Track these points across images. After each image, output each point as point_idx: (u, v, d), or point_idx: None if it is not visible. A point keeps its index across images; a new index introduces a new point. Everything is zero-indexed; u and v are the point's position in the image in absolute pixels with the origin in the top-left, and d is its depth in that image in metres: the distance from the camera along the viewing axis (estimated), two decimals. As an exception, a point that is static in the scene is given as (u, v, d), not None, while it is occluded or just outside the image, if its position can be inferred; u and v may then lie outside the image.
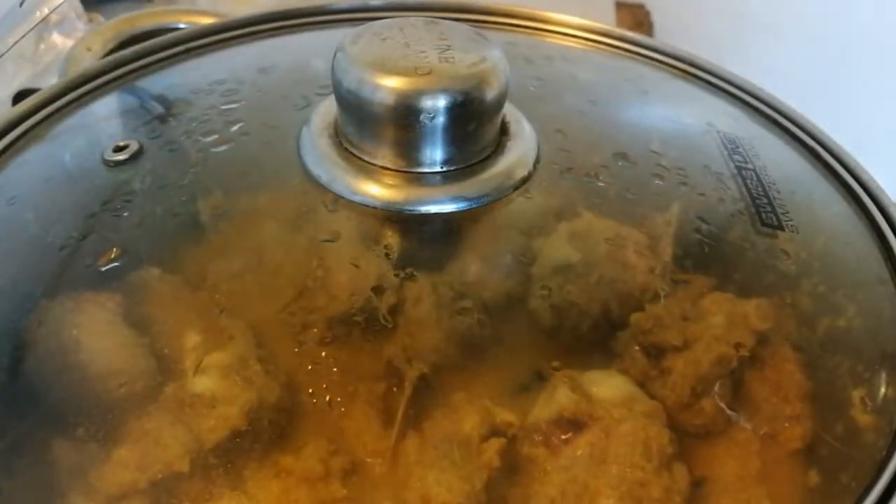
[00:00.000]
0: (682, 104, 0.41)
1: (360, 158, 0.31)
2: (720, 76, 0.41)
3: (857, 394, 0.28)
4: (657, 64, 0.42)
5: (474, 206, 0.30)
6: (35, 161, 0.35)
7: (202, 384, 0.26)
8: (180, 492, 0.24)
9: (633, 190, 0.33)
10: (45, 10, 0.48)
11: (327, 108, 0.33)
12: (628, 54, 0.43)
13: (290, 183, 0.31)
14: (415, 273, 0.29)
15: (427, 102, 0.29)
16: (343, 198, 0.30)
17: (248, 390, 0.26)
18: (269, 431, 0.26)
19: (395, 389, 0.27)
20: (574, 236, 0.31)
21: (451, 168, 0.31)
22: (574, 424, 0.27)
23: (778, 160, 0.36)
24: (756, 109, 0.40)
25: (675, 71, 0.42)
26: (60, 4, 0.50)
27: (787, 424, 0.27)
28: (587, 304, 0.30)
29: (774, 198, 0.33)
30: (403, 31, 0.31)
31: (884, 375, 0.29)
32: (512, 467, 0.26)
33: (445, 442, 0.27)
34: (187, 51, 0.41)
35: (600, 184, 0.33)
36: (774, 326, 0.29)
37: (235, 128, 0.34)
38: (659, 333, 0.28)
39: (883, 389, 0.28)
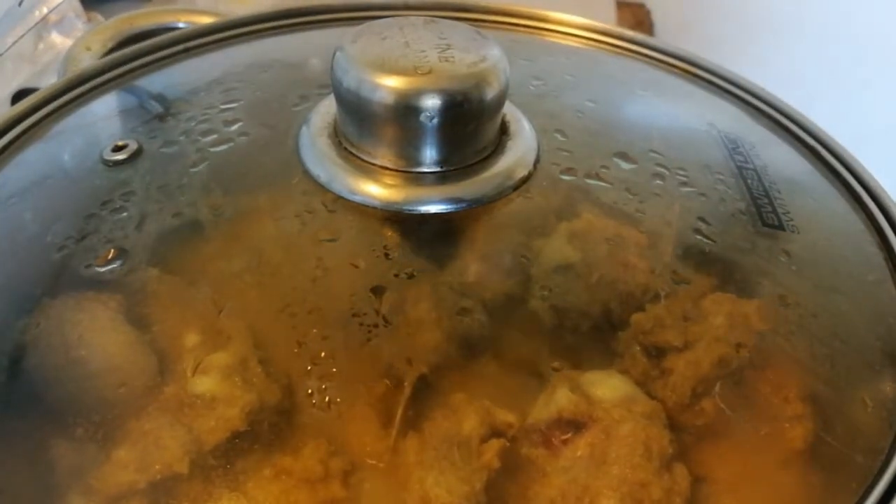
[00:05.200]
0: (682, 104, 0.41)
1: (359, 158, 0.31)
2: (721, 76, 0.41)
3: (858, 394, 0.28)
4: (658, 63, 0.42)
5: (474, 206, 0.30)
6: (34, 160, 0.34)
7: (202, 385, 0.26)
8: (179, 493, 0.24)
9: (633, 190, 0.33)
10: (44, 10, 0.47)
11: (327, 108, 0.33)
12: (629, 53, 0.43)
13: (289, 183, 0.31)
14: (414, 273, 0.29)
15: (427, 102, 0.29)
16: (342, 198, 0.30)
17: (248, 391, 0.26)
18: (269, 432, 0.26)
19: (394, 390, 0.27)
20: (574, 236, 0.31)
21: (451, 168, 0.30)
22: (574, 425, 0.27)
23: (779, 160, 0.36)
24: (757, 109, 0.40)
25: (675, 70, 0.42)
26: (59, 4, 0.50)
27: (787, 425, 0.27)
28: (587, 305, 0.30)
29: (775, 198, 0.33)
30: (403, 31, 0.31)
31: (885, 375, 0.28)
32: (512, 468, 0.26)
33: (445, 443, 0.26)
34: (186, 50, 0.41)
35: (601, 184, 0.33)
36: (775, 326, 0.29)
37: (234, 127, 0.34)
38: (659, 334, 0.28)
39: (884, 389, 0.28)
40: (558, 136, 0.34)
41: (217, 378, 0.27)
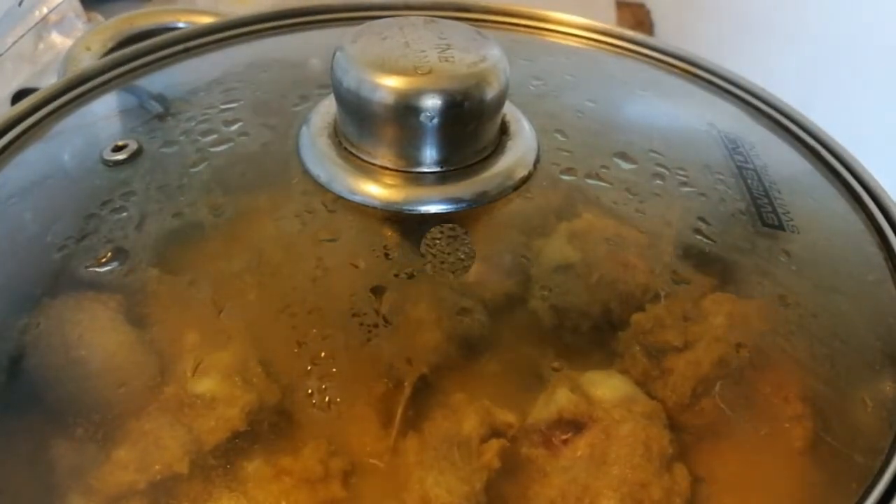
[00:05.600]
0: (682, 103, 0.41)
1: (359, 158, 0.31)
2: (721, 76, 0.41)
3: (858, 394, 0.28)
4: (658, 63, 0.42)
5: (474, 205, 0.30)
6: (34, 161, 0.34)
7: (202, 385, 0.26)
8: (180, 493, 0.24)
9: (633, 190, 0.33)
10: (44, 10, 0.47)
11: (327, 108, 0.33)
12: (629, 53, 0.43)
13: (289, 183, 0.31)
14: (414, 273, 0.29)
15: (427, 102, 0.29)
16: (342, 197, 0.30)
17: (248, 392, 0.26)
18: (269, 432, 0.26)
19: (394, 390, 0.27)
20: (574, 236, 0.31)
21: (451, 168, 0.30)
22: (574, 425, 0.27)
23: (779, 160, 0.36)
24: (757, 109, 0.40)
25: (675, 70, 0.42)
26: (59, 4, 0.50)
27: (787, 425, 0.27)
28: (587, 305, 0.30)
29: (775, 198, 0.33)
30: (403, 31, 0.31)
31: (885, 375, 0.28)
32: (512, 468, 0.26)
33: (445, 443, 0.26)
34: (186, 50, 0.41)
35: (601, 184, 0.33)
36: (775, 326, 0.29)
37: (234, 127, 0.34)
38: (659, 334, 0.28)
39: (884, 389, 0.28)
40: (558, 136, 0.34)
41: (217, 378, 0.26)
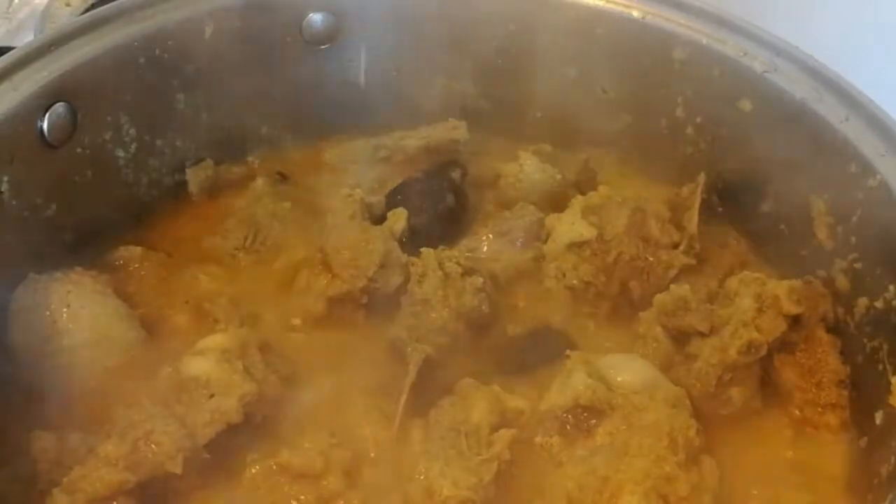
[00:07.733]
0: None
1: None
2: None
3: (896, 380, 0.26)
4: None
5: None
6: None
7: (198, 371, 0.24)
8: (173, 486, 0.23)
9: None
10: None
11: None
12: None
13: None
14: (420, 249, 0.27)
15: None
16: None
17: (246, 380, 0.24)
18: (268, 423, 0.24)
19: (398, 374, 0.25)
20: (590, 210, 0.29)
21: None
22: (592, 412, 0.25)
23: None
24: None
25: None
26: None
27: (821, 411, 0.26)
28: (605, 284, 0.28)
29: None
30: None
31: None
32: (524, 458, 0.24)
33: (452, 431, 0.24)
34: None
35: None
36: (808, 308, 0.27)
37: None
38: (683, 317, 0.26)
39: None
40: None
41: (213, 364, 0.24)
